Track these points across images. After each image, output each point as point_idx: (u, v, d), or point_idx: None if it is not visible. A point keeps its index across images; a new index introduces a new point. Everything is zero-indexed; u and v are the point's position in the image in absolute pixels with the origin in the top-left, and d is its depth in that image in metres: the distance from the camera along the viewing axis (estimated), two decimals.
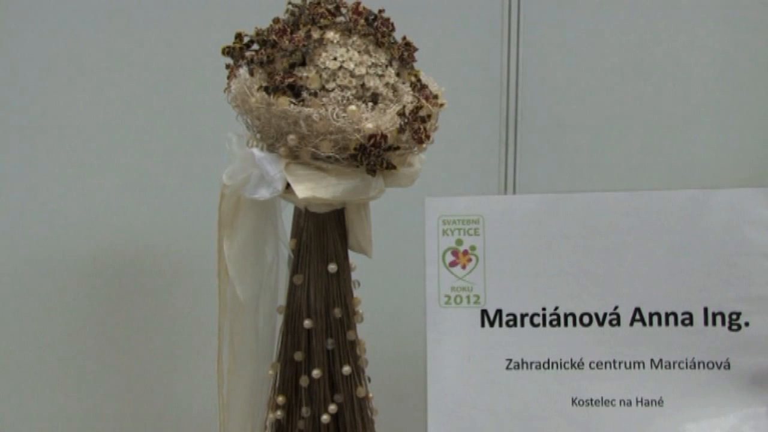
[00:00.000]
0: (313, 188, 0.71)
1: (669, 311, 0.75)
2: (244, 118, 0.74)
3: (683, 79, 1.10)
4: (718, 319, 0.74)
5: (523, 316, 0.76)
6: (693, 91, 1.10)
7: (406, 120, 0.71)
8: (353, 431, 0.78)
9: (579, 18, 1.10)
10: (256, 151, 0.72)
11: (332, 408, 0.77)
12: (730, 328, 0.74)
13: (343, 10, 0.74)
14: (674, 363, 0.75)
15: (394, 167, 0.72)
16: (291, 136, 0.70)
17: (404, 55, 0.75)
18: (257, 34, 0.73)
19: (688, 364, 0.75)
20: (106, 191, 1.05)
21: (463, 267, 0.77)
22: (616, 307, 0.75)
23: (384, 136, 0.69)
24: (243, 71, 0.72)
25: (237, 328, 0.79)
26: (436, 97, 0.75)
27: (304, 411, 0.77)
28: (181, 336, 1.07)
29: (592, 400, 0.75)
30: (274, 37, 0.71)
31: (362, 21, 0.73)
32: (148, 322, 1.06)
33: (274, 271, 0.81)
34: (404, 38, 0.76)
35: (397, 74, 0.74)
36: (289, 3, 0.74)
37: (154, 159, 1.05)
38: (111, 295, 1.05)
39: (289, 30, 0.71)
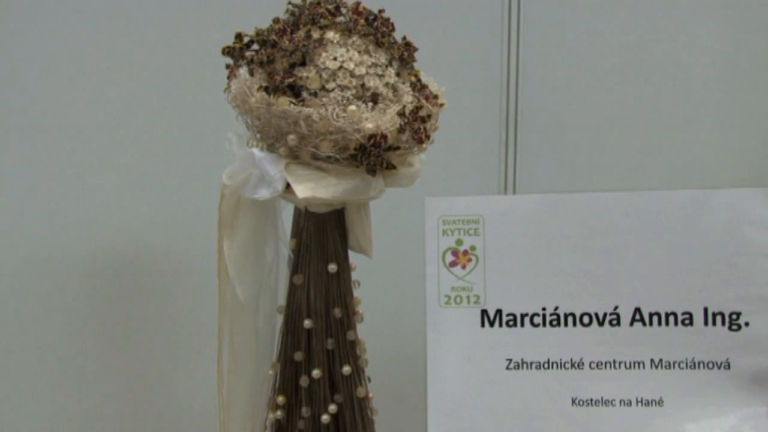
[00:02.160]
0: (313, 188, 0.71)
1: (669, 311, 0.75)
2: (244, 118, 0.74)
3: (683, 79, 1.10)
4: (718, 319, 0.74)
5: (523, 316, 0.76)
6: (693, 91, 1.10)
7: (406, 120, 0.71)
8: (353, 431, 0.78)
9: (579, 18, 1.10)
10: (256, 151, 0.72)
11: (332, 408, 0.77)
12: (730, 328, 0.74)
13: (343, 10, 0.74)
14: (674, 363, 0.75)
15: (394, 167, 0.72)
16: (291, 136, 0.70)
17: (404, 55, 0.75)
18: (257, 34, 0.73)
19: (688, 364, 0.74)
20: (106, 191, 1.05)
21: (463, 267, 0.77)
22: (616, 307, 0.75)
23: (384, 136, 0.69)
24: (243, 71, 0.72)
25: (237, 328, 0.79)
26: (436, 97, 0.75)
27: (304, 411, 0.77)
28: (181, 336, 1.07)
29: (592, 400, 0.75)
30: (274, 37, 0.71)
31: (362, 21, 0.73)
32: (148, 322, 1.06)
33: (274, 271, 0.80)
34: (404, 38, 0.76)
35: (397, 74, 0.74)
36: (289, 3, 0.74)
37: (154, 159, 1.05)
38: (111, 295, 1.05)
39: (289, 30, 0.71)
